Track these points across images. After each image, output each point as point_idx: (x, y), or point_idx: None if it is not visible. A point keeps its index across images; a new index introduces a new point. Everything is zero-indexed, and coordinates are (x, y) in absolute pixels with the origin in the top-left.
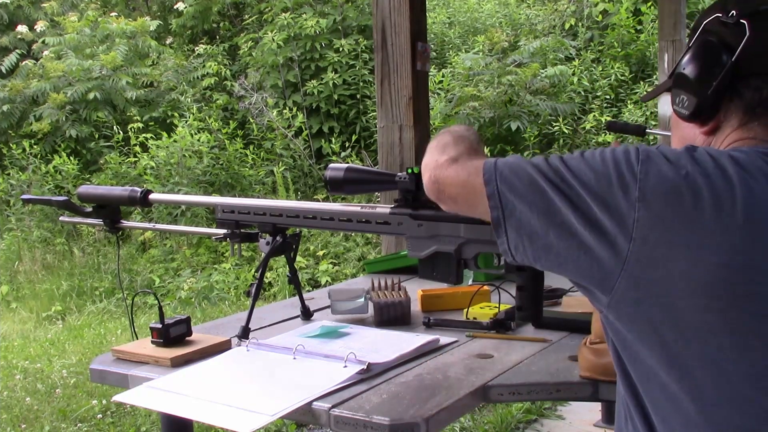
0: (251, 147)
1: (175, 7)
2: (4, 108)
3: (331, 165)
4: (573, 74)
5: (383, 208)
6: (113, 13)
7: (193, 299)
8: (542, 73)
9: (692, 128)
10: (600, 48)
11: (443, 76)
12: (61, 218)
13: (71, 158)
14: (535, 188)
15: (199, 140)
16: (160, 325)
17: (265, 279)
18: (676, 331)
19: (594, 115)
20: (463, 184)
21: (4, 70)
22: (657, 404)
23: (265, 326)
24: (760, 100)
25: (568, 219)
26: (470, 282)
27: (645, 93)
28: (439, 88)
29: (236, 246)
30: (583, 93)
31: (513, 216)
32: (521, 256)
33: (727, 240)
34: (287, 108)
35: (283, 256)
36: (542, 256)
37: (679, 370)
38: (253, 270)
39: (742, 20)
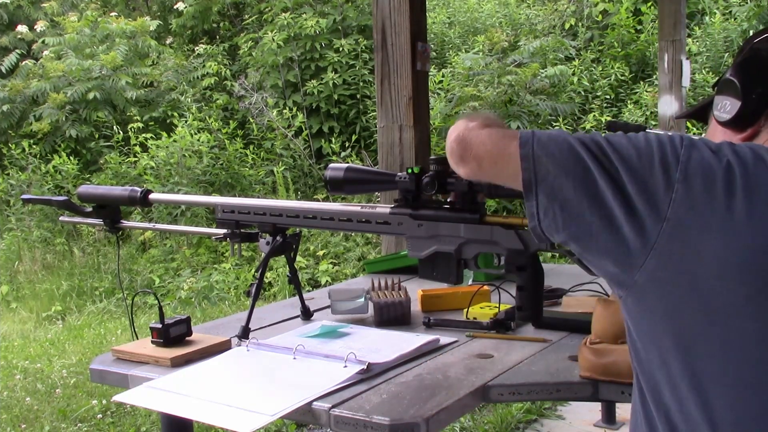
0: (251, 147)
1: (175, 7)
2: (4, 108)
3: (331, 165)
4: (573, 74)
5: (383, 208)
6: (113, 13)
7: (193, 299)
8: (542, 73)
9: (729, 135)
10: (600, 48)
11: (443, 76)
12: (61, 218)
13: (71, 158)
14: (573, 156)
15: (199, 140)
16: (160, 325)
17: (265, 279)
18: (701, 313)
19: (594, 115)
20: (495, 144)
21: (4, 70)
22: (676, 390)
23: (265, 326)
24: None
25: (603, 192)
26: (470, 282)
27: (683, 112)
28: (439, 88)
29: (236, 246)
30: (583, 93)
31: (546, 181)
32: (549, 221)
33: (761, 225)
34: (287, 108)
35: (283, 256)
36: (572, 225)
37: (697, 353)
38: (253, 270)
39: None
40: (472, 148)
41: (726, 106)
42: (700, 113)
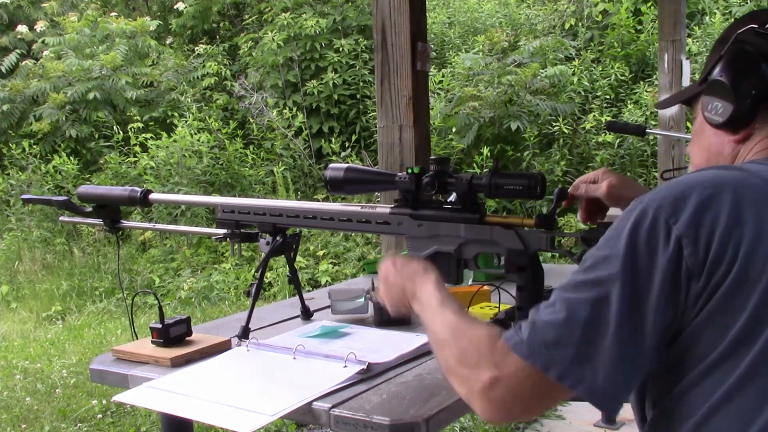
0: (251, 147)
1: (175, 7)
2: (4, 108)
3: (331, 165)
4: (573, 74)
5: (383, 208)
6: (113, 13)
7: (193, 299)
8: (542, 73)
9: (721, 136)
10: (600, 48)
11: (443, 76)
12: (61, 218)
13: (71, 158)
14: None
15: (199, 140)
16: (160, 325)
17: (265, 279)
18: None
19: (594, 115)
20: (525, 390)
21: (4, 70)
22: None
23: (265, 326)
24: None
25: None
26: (470, 282)
27: (661, 99)
28: (439, 88)
29: (236, 246)
30: (583, 93)
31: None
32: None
33: None
34: (287, 108)
35: (283, 256)
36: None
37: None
38: (253, 270)
39: None
40: (513, 411)
41: (717, 108)
42: (685, 102)
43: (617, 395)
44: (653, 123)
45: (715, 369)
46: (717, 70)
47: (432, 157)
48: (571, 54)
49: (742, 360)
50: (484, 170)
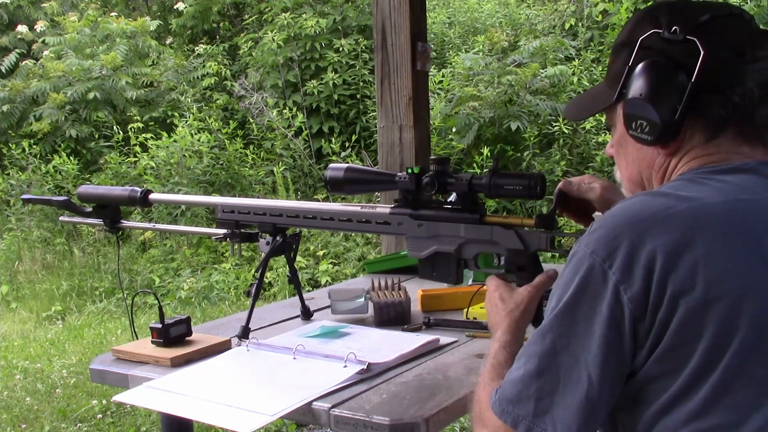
0: (251, 147)
1: (175, 7)
2: (4, 108)
3: (331, 165)
4: (573, 74)
5: (383, 208)
6: (113, 13)
7: (193, 299)
8: (542, 73)
9: (653, 152)
10: (600, 48)
11: (443, 76)
12: (61, 218)
13: (71, 158)
14: None
15: (199, 140)
16: (160, 325)
17: (265, 279)
18: None
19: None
20: None
21: (4, 70)
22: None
23: (265, 326)
24: (726, 115)
25: None
26: (470, 282)
27: (570, 108)
28: (439, 88)
29: (236, 246)
30: (583, 93)
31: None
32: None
33: None
34: (287, 108)
35: (283, 256)
36: None
37: None
38: (253, 270)
39: (689, 37)
40: None
41: (644, 127)
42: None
43: None
44: None
45: (678, 401)
46: (633, 86)
47: (432, 157)
48: (571, 54)
49: (704, 387)
50: (484, 170)
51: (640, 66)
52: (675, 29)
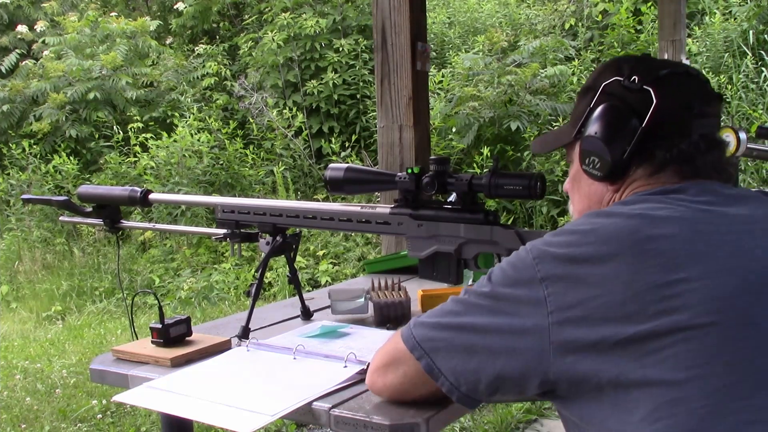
0: (251, 147)
1: (175, 7)
2: (4, 108)
3: (331, 165)
4: (573, 74)
5: (383, 208)
6: (113, 13)
7: (193, 299)
8: (542, 73)
9: (602, 188)
10: (600, 48)
11: (443, 76)
12: (61, 218)
13: (71, 158)
14: None
15: (199, 140)
16: (160, 325)
17: (265, 279)
18: None
19: None
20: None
21: (4, 70)
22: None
23: (265, 326)
24: (671, 158)
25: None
26: (470, 282)
27: (536, 143)
28: (439, 88)
29: (236, 246)
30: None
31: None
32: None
33: None
34: (287, 108)
35: (283, 256)
36: None
37: None
38: (253, 270)
39: (646, 87)
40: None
41: (595, 163)
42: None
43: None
44: None
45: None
46: (591, 125)
47: (432, 157)
48: (571, 54)
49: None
50: (484, 170)
51: (599, 108)
52: (634, 78)
